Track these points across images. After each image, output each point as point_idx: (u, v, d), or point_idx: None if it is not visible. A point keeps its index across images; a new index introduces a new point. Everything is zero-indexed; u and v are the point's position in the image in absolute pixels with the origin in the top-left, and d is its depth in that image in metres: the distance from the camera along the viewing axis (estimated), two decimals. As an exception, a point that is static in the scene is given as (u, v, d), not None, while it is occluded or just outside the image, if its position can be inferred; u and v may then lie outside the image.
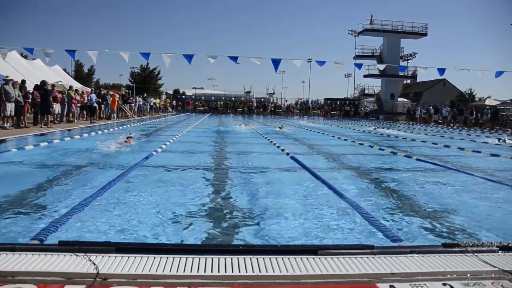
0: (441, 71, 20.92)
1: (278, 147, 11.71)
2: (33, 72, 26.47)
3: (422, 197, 5.93)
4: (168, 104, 51.64)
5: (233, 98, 63.44)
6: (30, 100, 17.07)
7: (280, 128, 21.00)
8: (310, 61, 44.54)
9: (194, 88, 71.97)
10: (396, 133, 21.56)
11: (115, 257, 2.70)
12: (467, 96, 55.41)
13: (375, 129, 24.01)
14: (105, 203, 4.87)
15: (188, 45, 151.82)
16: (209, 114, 49.74)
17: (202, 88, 75.19)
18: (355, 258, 2.80)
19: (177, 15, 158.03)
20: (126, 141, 11.76)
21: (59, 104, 19.43)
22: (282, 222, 4.42)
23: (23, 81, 17.80)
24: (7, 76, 16.52)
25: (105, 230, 3.94)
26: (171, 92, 68.06)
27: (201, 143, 13.08)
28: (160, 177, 6.82)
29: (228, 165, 8.58)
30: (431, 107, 40.48)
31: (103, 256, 2.69)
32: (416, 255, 2.90)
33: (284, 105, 59.01)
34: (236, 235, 3.98)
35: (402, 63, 49.51)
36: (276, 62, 18.57)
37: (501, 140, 16.70)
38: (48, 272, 2.45)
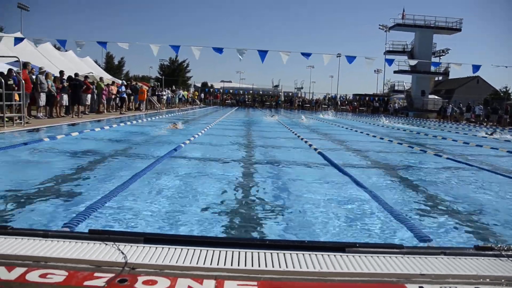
0: (476, 68, 19.93)
1: (303, 139, 11.68)
2: (65, 63, 27.00)
3: (453, 197, 5.79)
4: (196, 97, 52.03)
5: (260, 92, 63.46)
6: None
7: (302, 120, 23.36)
8: (340, 56, 44.03)
9: (222, 81, 72.45)
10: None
11: (143, 247, 2.73)
12: (502, 94, 53.89)
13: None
14: (135, 192, 4.94)
15: (217, 39, 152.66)
16: (236, 107, 49.87)
17: (230, 82, 75.56)
18: (384, 257, 2.76)
19: (205, 9, 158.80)
20: (173, 127, 14.28)
21: (89, 95, 19.78)
22: (307, 217, 4.39)
23: (62, 72, 18.21)
24: (41, 67, 16.93)
25: (133, 220, 3.99)
26: (199, 85, 68.58)
27: (229, 136, 13.13)
28: (189, 168, 6.87)
29: (254, 156, 8.58)
30: (460, 104, 39.56)
31: (131, 246, 2.73)
32: (446, 256, 2.82)
33: (312, 99, 58.64)
34: (262, 229, 3.98)
35: (434, 59, 48.42)
36: (306, 55, 18.47)
37: None
38: (78, 259, 2.50)
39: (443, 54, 50.84)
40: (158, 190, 5.27)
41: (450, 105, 40.80)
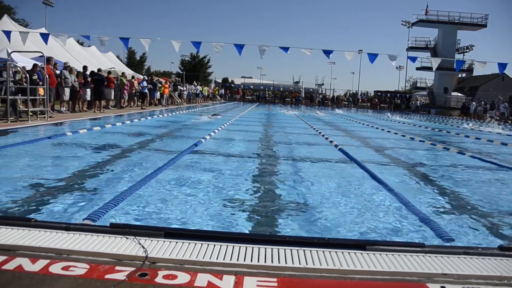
0: (502, 66, 18.53)
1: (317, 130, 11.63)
2: (88, 58, 27.41)
3: (477, 196, 5.68)
4: (216, 92, 52.18)
5: (281, 88, 63.31)
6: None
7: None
8: (361, 52, 43.63)
9: (242, 77, 72.41)
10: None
11: (164, 241, 2.74)
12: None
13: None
14: (157, 186, 4.98)
15: (238, 35, 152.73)
16: (257, 103, 49.87)
17: (251, 77, 75.53)
18: (405, 255, 2.72)
19: (228, 4, 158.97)
20: (213, 116, 16.78)
21: (112, 90, 20.01)
22: (327, 213, 4.36)
23: (85, 67, 18.48)
24: (66, 63, 17.20)
25: (154, 214, 4.02)
26: (220, 80, 68.74)
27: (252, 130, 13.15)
28: (210, 163, 6.90)
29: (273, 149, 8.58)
30: (482, 102, 38.74)
31: (152, 240, 2.75)
32: (469, 256, 2.77)
33: (333, 96, 58.29)
34: (283, 225, 3.96)
35: (457, 56, 47.52)
36: (327, 53, 18.29)
37: None
38: (99, 252, 2.53)
39: (467, 50, 49.85)
40: (180, 184, 5.30)
41: (474, 103, 40.00)
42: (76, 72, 17.26)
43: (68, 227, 2.88)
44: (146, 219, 3.87)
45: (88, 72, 18.21)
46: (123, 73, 23.98)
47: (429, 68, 48.52)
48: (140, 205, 4.24)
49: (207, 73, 73.84)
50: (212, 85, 62.71)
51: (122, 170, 6.13)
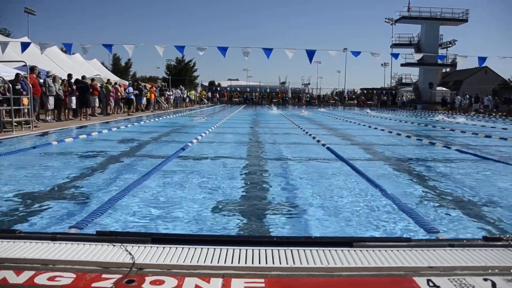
0: (482, 60, 19.52)
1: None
2: (73, 66, 27.16)
3: (461, 189, 5.75)
4: (203, 96, 52.09)
5: (268, 89, 63.45)
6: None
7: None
8: (346, 51, 43.88)
9: (229, 79, 72.45)
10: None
11: (151, 247, 2.73)
12: (511, 84, 53.28)
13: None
14: (143, 193, 4.96)
15: (222, 37, 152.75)
16: (244, 105, 49.87)
17: (237, 80, 75.64)
18: (391, 250, 2.74)
19: (210, 6, 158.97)
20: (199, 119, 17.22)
21: (96, 97, 19.88)
22: (313, 211, 4.38)
23: (70, 75, 18.33)
24: (48, 71, 17.05)
25: (141, 220, 4.00)
26: (206, 84, 68.67)
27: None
28: (197, 167, 6.88)
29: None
30: (467, 95, 39.16)
31: (139, 247, 2.73)
32: (455, 248, 2.80)
33: (320, 95, 58.52)
34: (270, 226, 3.97)
35: (441, 51, 47.99)
36: (310, 54, 18.36)
37: None
38: (86, 261, 2.51)
39: (450, 45, 50.34)
40: (167, 189, 5.28)
41: (458, 97, 40.43)
42: (60, 81, 17.12)
43: (54, 237, 2.85)
44: (133, 225, 3.85)
45: (73, 80, 18.07)
46: (108, 80, 23.84)
47: (413, 64, 49.01)
48: (127, 212, 4.22)
49: (193, 77, 73.66)
50: (199, 88, 62.58)
51: (108, 177, 6.10)
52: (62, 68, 24.41)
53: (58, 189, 5.31)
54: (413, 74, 55.52)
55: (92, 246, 2.73)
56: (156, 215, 4.20)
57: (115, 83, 24.36)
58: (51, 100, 15.83)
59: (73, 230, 3.18)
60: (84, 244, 2.75)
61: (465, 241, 2.98)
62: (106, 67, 47.03)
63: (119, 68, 68.36)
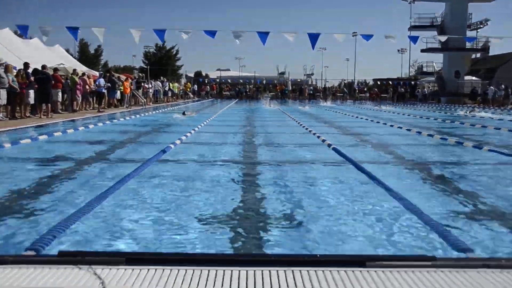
0: None
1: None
2: (30, 53, 26.92)
3: (496, 197, 5.75)
4: (188, 89, 52.09)
5: (264, 81, 63.56)
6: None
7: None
8: (356, 35, 44.00)
9: (218, 69, 72.56)
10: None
11: (125, 269, 2.70)
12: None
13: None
14: (116, 204, 4.93)
15: (210, 21, 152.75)
16: (236, 100, 49.90)
17: (228, 70, 75.79)
18: (412, 272, 2.72)
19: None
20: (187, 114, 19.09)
21: (59, 91, 19.77)
22: (319, 223, 4.36)
23: (26, 64, 18.09)
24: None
25: (112, 238, 3.96)
26: (191, 75, 68.68)
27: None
28: (181, 173, 6.88)
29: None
30: (502, 86, 39.16)
31: (110, 269, 2.70)
32: (490, 270, 2.78)
33: (325, 87, 58.68)
34: (265, 240, 3.95)
35: (469, 33, 48.03)
36: (314, 38, 18.33)
37: None
38: None
39: (480, 26, 50.37)
40: (145, 199, 5.26)
41: (492, 87, 40.43)
42: (15, 71, 16.99)
43: (5, 260, 2.80)
44: (104, 244, 3.81)
45: (30, 70, 17.92)
46: (74, 70, 23.70)
47: (436, 49, 49.01)
48: (95, 228, 4.18)
49: (176, 67, 73.71)
50: (183, 80, 62.58)
51: (73, 187, 6.05)
52: (16, 55, 24.22)
53: (11, 203, 5.27)
54: (436, 61, 55.65)
55: (53, 269, 2.69)
56: (131, 231, 4.16)
57: (83, 74, 24.23)
58: (3, 93, 15.61)
59: (29, 252, 3.15)
60: (43, 268, 2.71)
61: (503, 261, 2.95)
62: (72, 55, 46.92)
63: (88, 56, 68.29)
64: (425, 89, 53.79)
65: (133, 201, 5.19)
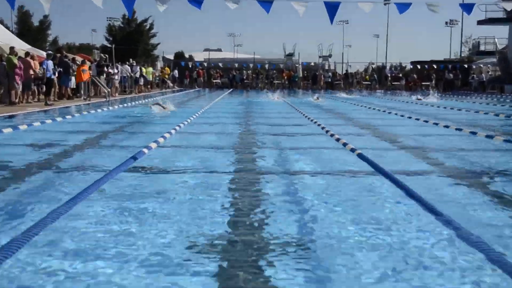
0: None
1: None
2: None
3: None
4: (167, 76, 52.15)
5: (267, 65, 63.53)
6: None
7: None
8: (388, 3, 43.97)
9: (206, 50, 72.68)
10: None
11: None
12: None
13: None
14: (66, 228, 4.89)
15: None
16: (230, 90, 49.93)
17: (220, 50, 76.01)
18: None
19: None
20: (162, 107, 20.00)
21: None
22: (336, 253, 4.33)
23: None
24: None
25: (63, 274, 3.93)
26: (171, 57, 68.79)
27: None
28: (157, 185, 6.85)
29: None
30: None
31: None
32: None
33: (347, 73, 58.79)
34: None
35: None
36: (332, 8, 18.24)
37: None
38: None
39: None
40: (109, 220, 5.22)
41: None
42: None
43: None
44: (52, 281, 3.78)
45: None
46: (12, 49, 23.59)
47: (499, 20, 48.72)
48: (41, 258, 4.14)
49: (150, 46, 73.76)
50: (159, 64, 62.56)
51: (12, 204, 6.01)
52: None
53: None
54: (499, 36, 55.40)
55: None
56: (90, 262, 4.12)
57: (27, 55, 24.22)
58: None
59: None
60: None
61: None
62: (8, 28, 46.95)
63: (30, 30, 68.10)
64: (483, 74, 53.63)
65: (92, 224, 5.15)
